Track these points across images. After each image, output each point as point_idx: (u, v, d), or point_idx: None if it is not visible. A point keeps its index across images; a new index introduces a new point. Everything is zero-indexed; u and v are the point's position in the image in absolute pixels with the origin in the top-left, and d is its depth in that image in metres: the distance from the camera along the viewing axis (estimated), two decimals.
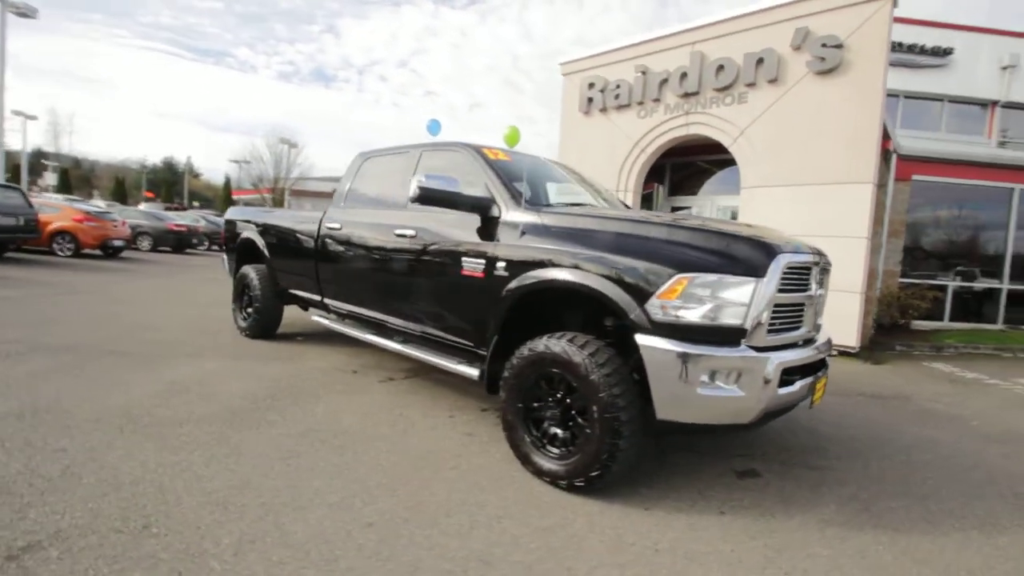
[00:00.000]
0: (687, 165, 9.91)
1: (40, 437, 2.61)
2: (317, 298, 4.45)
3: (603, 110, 9.07)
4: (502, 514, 2.23)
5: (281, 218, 5.00)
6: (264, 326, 5.16)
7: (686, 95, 7.97)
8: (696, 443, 3.21)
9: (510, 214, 2.88)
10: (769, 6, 7.04)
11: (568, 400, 2.48)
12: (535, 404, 2.62)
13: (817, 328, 2.78)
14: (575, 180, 4.01)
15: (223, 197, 47.21)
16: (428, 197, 2.87)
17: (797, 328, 2.49)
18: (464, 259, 2.97)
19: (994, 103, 13.61)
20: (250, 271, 5.10)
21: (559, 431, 2.52)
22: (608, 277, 2.31)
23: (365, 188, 4.09)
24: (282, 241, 4.85)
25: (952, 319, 9.56)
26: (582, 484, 2.37)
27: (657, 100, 8.34)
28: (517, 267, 2.68)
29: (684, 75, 7.91)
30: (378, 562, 1.84)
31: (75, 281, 8.48)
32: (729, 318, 2.17)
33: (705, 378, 2.13)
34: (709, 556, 2.03)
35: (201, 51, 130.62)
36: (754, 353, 2.17)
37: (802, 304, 2.50)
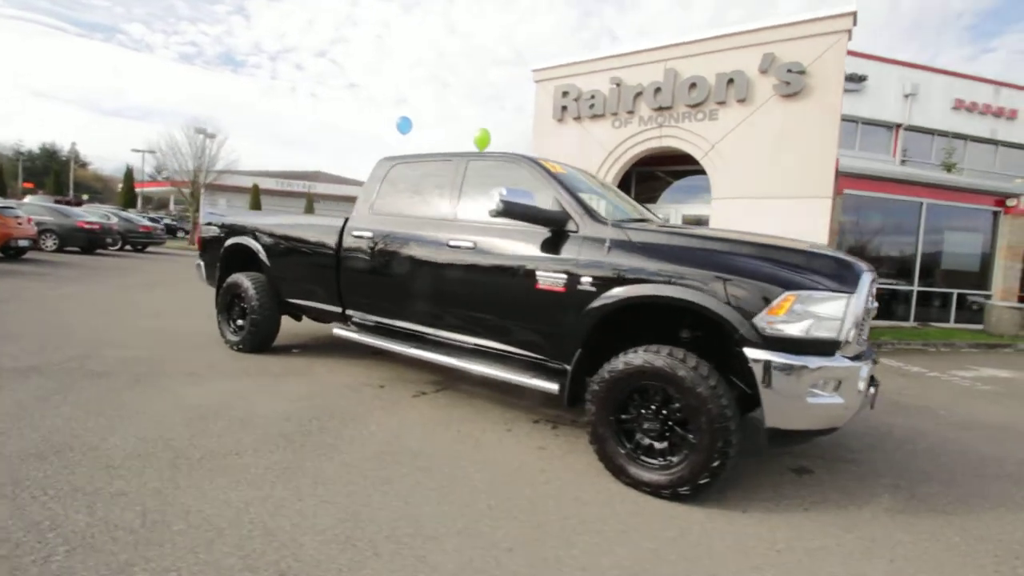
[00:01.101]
0: (650, 174, 10.40)
1: (85, 480, 2.28)
2: (335, 309, 4.21)
3: (577, 118, 9.29)
4: (625, 528, 2.26)
5: (288, 223, 4.65)
6: (261, 339, 4.78)
7: (660, 109, 8.38)
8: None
9: (589, 228, 2.91)
10: (739, 31, 7.59)
11: (664, 412, 2.56)
12: (624, 416, 2.68)
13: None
14: (605, 190, 4.11)
15: (125, 190, 42.45)
16: (510, 211, 2.83)
17: (861, 338, 2.75)
18: (540, 273, 2.96)
19: (898, 126, 15.60)
20: (244, 280, 4.71)
21: (655, 442, 2.59)
22: (716, 294, 2.42)
23: (398, 195, 3.92)
24: (290, 248, 4.52)
25: (875, 318, 10.80)
26: (688, 492, 2.46)
27: (631, 112, 8.69)
28: (607, 283, 2.72)
29: (658, 90, 8.31)
30: None
31: None
32: (827, 331, 2.35)
33: (814, 387, 2.30)
34: (824, 551, 2.19)
35: (87, 25, 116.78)
36: (851, 363, 2.38)
37: (864, 316, 2.76)
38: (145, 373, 3.91)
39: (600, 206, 3.51)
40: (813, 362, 2.30)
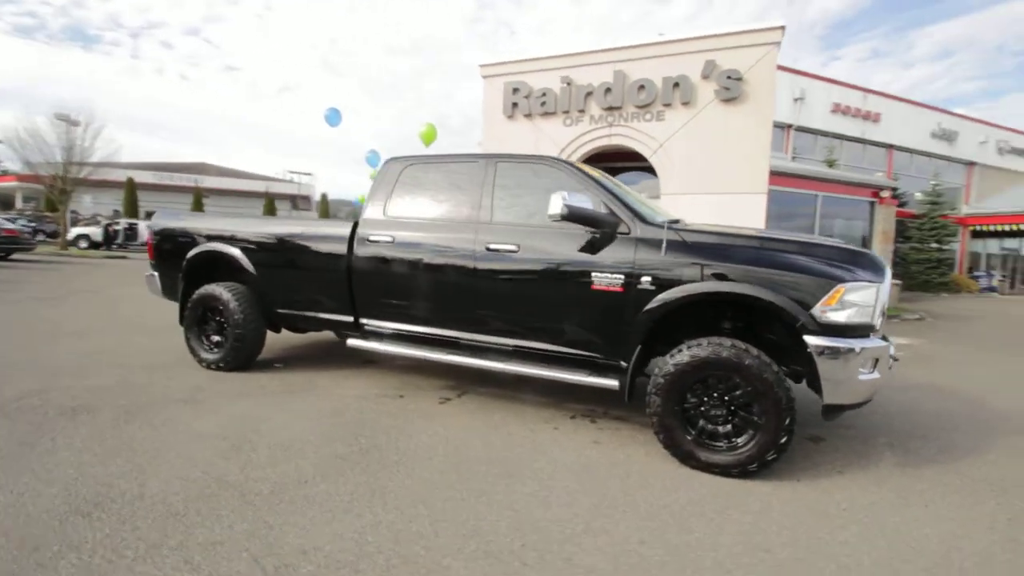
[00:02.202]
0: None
1: (159, 534, 2.01)
2: (345, 319, 3.97)
3: (528, 115, 9.42)
4: (721, 507, 2.44)
5: (283, 229, 4.27)
6: (247, 356, 4.37)
7: (610, 108, 8.76)
8: None
9: (641, 230, 3.04)
10: (683, 38, 8.15)
11: (726, 397, 2.78)
12: (686, 405, 2.87)
13: None
14: (621, 189, 4.26)
15: None
16: (574, 215, 2.88)
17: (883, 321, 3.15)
18: (595, 274, 3.04)
19: (789, 126, 17.64)
20: (222, 292, 4.26)
21: (719, 427, 2.81)
22: (778, 289, 2.67)
23: (416, 198, 3.77)
24: (284, 256, 4.17)
25: None
26: (755, 469, 2.70)
27: (582, 111, 8.99)
28: (668, 282, 2.88)
29: (608, 90, 8.68)
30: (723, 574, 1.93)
31: None
32: (864, 317, 2.70)
33: (863, 366, 2.64)
34: (875, 506, 2.52)
35: None
36: (882, 343, 2.75)
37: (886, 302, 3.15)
38: (130, 405, 3.44)
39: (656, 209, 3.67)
40: (858, 344, 2.64)
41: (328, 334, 5.95)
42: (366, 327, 3.91)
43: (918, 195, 19.92)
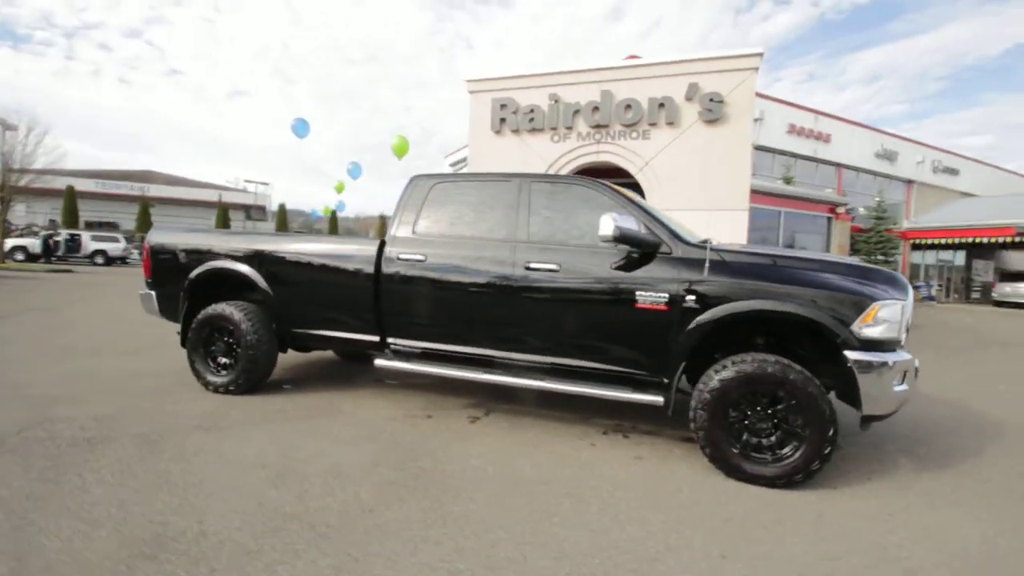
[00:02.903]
0: None
1: (239, 575, 1.91)
2: (370, 339, 3.89)
3: (516, 131, 9.53)
4: (776, 518, 2.53)
5: (302, 245, 4.14)
6: (259, 378, 4.20)
7: (597, 126, 8.99)
8: None
9: (682, 250, 3.15)
10: (667, 61, 8.50)
11: (769, 411, 2.90)
12: (730, 419, 2.97)
13: None
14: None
15: None
16: (624, 237, 2.96)
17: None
18: (639, 293, 3.12)
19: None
20: (233, 312, 4.09)
21: (763, 439, 2.92)
22: (820, 308, 2.83)
23: (447, 216, 3.76)
24: (304, 275, 4.04)
25: None
26: (800, 479, 2.83)
27: (570, 128, 9.19)
28: (713, 300, 2.99)
29: (595, 108, 8.92)
30: None
31: None
32: (894, 332, 2.89)
33: (896, 379, 2.82)
34: (913, 509, 2.68)
35: None
36: (910, 356, 2.95)
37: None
38: (148, 433, 3.23)
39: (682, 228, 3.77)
40: (891, 358, 2.82)
41: (328, 353, 5.79)
42: (393, 346, 3.84)
43: (861, 210, 21.34)
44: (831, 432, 2.76)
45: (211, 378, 4.21)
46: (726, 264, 3.06)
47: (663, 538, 2.30)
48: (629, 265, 3.21)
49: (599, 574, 2.00)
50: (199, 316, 4.24)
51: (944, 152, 26.27)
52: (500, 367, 3.58)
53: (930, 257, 26.17)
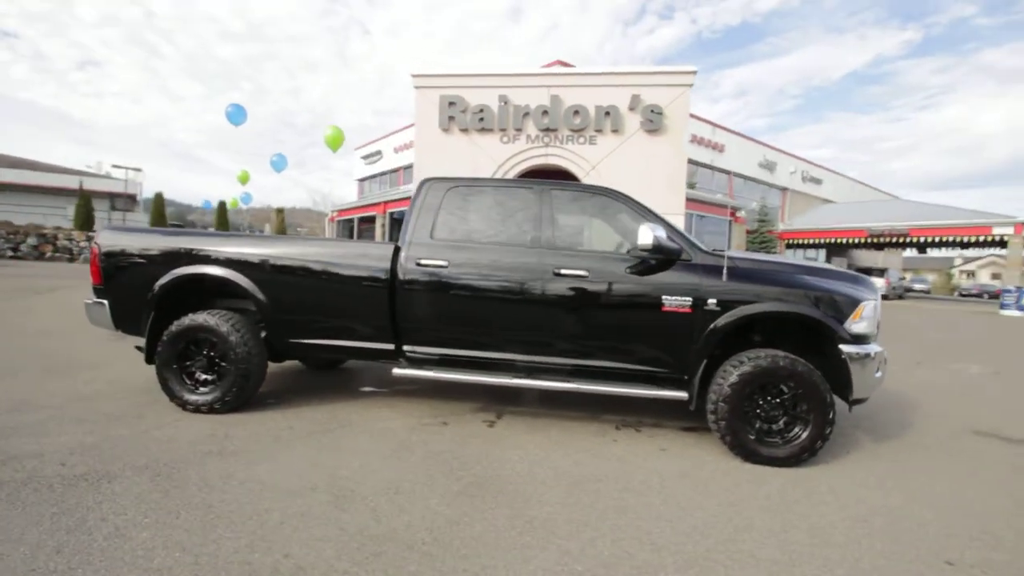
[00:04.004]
0: None
1: None
2: (384, 347, 3.75)
3: (465, 130, 9.49)
4: (805, 493, 2.91)
5: (302, 249, 3.85)
6: (250, 394, 3.86)
7: (546, 130, 9.26)
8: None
9: (701, 258, 3.46)
10: (612, 71, 8.95)
11: (777, 400, 3.31)
12: (744, 409, 3.34)
13: None
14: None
15: None
16: (659, 246, 3.18)
17: None
18: (665, 297, 3.38)
19: None
20: (219, 323, 3.71)
21: (773, 425, 3.33)
22: (821, 308, 3.27)
23: (465, 222, 3.73)
24: (307, 282, 3.77)
25: None
26: (807, 458, 3.27)
27: (519, 130, 9.36)
28: (731, 303, 3.32)
29: (545, 112, 9.17)
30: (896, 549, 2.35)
31: None
32: (872, 327, 3.44)
33: (877, 367, 3.35)
34: (896, 477, 3.22)
35: None
36: (881, 348, 3.51)
37: None
38: (151, 463, 2.86)
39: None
40: (872, 350, 3.36)
41: (291, 364, 5.42)
42: (409, 354, 3.74)
43: (741, 213, 24.12)
44: (831, 415, 3.23)
45: (189, 397, 3.78)
46: (741, 270, 3.42)
47: (728, 520, 2.56)
48: (653, 271, 3.45)
49: (700, 559, 2.20)
50: (172, 328, 3.78)
51: (811, 164, 30.50)
52: (522, 370, 3.66)
53: (799, 255, 30.33)
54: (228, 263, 3.82)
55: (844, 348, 3.28)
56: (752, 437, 3.30)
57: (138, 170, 41.08)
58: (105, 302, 3.99)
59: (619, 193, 3.76)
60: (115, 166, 40.87)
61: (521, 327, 3.58)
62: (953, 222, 22.49)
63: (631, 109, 8.96)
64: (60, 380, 4.49)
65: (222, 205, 45.66)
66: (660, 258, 3.44)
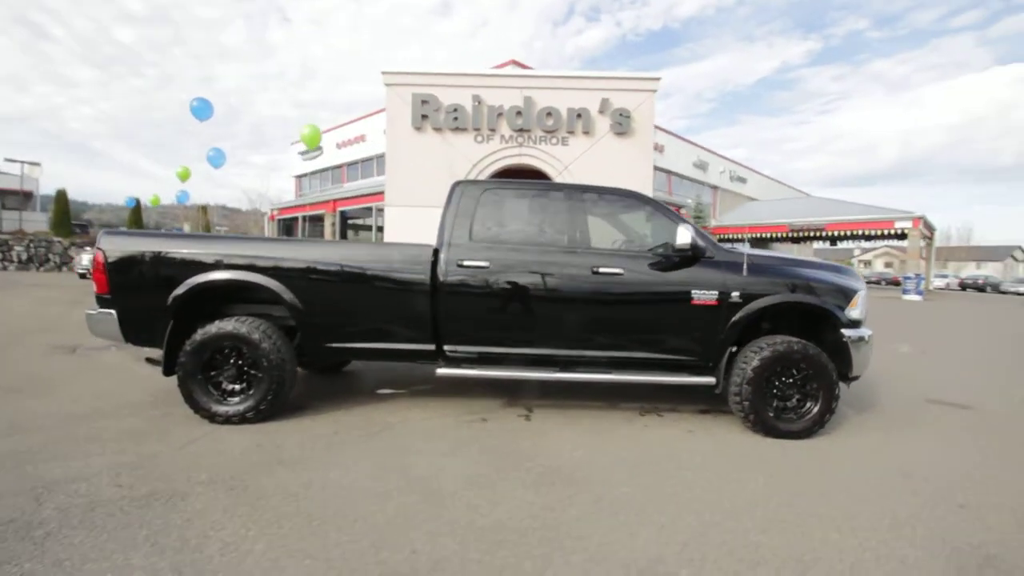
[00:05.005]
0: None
1: None
2: (424, 348, 3.79)
3: (438, 129, 9.48)
4: (824, 463, 3.32)
5: (339, 253, 3.81)
6: (283, 401, 3.77)
7: (520, 130, 9.45)
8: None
9: (722, 255, 3.80)
10: (583, 75, 9.31)
11: (791, 380, 3.73)
12: (765, 390, 3.73)
13: None
14: None
15: None
16: (694, 246, 3.48)
17: None
18: (695, 292, 3.69)
19: None
20: (250, 330, 3.60)
21: (787, 404, 3.74)
22: (827, 298, 3.72)
23: (501, 223, 3.85)
24: (345, 285, 3.73)
25: None
26: (817, 430, 3.70)
27: (493, 130, 9.48)
28: (752, 296, 3.69)
29: (519, 113, 9.36)
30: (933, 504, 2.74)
31: None
32: (863, 313, 3.94)
33: (870, 348, 3.85)
34: (891, 444, 3.74)
35: None
36: (870, 331, 4.03)
37: None
38: (213, 478, 2.77)
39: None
40: (865, 333, 3.86)
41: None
42: (449, 353, 3.82)
43: (684, 211, 25.72)
44: (836, 391, 3.69)
45: (218, 408, 3.63)
46: (759, 266, 3.80)
47: (777, 490, 2.89)
48: (679, 267, 3.76)
49: (774, 520, 2.50)
50: (196, 337, 3.62)
51: (737, 164, 32.86)
52: (559, 364, 3.85)
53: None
54: (259, 268, 3.70)
55: (845, 332, 3.75)
56: (771, 415, 3.69)
57: (36, 164, 36.76)
58: (113, 312, 3.73)
59: (644, 196, 4.03)
60: (8, 159, 36.36)
61: (562, 323, 3.76)
62: (862, 217, 25.21)
63: (601, 112, 9.34)
64: (34, 399, 4.12)
65: (137, 204, 41.97)
66: (687, 255, 3.74)
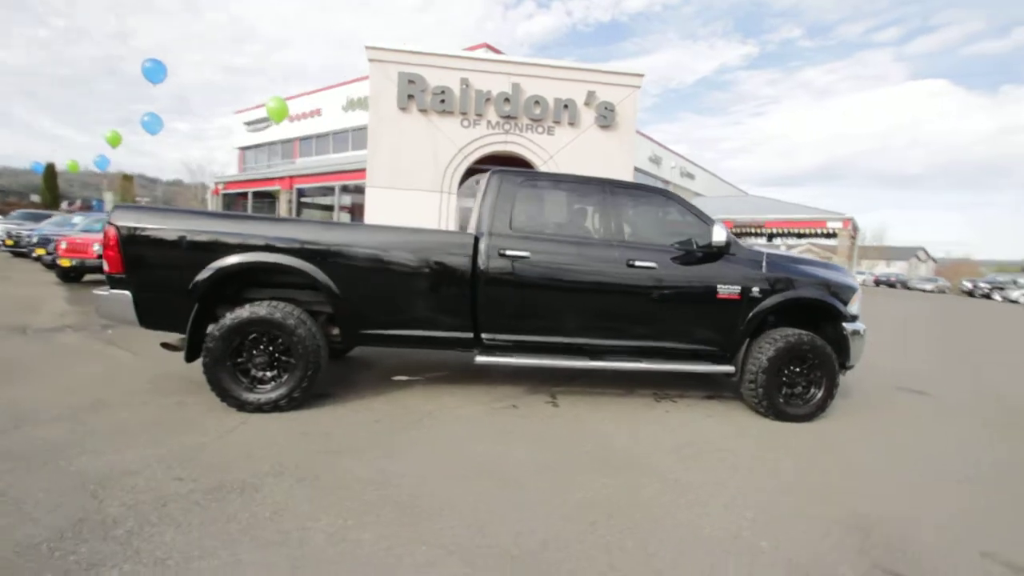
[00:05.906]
0: (472, 170, 11.26)
1: None
2: (462, 336, 3.80)
3: (424, 111, 9.26)
4: (833, 443, 3.67)
5: (378, 237, 3.72)
6: (316, 387, 3.67)
7: (507, 117, 9.41)
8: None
9: (743, 252, 4.05)
10: (570, 67, 9.39)
11: (798, 369, 4.08)
12: (775, 379, 4.06)
13: None
14: None
15: None
16: (728, 243, 3.71)
17: None
18: (720, 286, 3.92)
19: None
20: (286, 316, 3.47)
21: (794, 389, 4.09)
22: (831, 294, 4.07)
23: (538, 214, 3.90)
24: (386, 270, 3.65)
25: None
26: (820, 414, 4.08)
27: (480, 115, 9.38)
28: (769, 291, 3.98)
29: (506, 99, 9.31)
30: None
31: None
32: (859, 309, 4.35)
33: (863, 340, 4.27)
34: (885, 422, 4.19)
35: None
36: (864, 325, 4.45)
37: None
38: (280, 468, 2.69)
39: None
40: (861, 327, 4.27)
41: None
42: (487, 341, 3.85)
43: None
44: (837, 378, 4.07)
45: (248, 396, 3.49)
46: (775, 264, 4.09)
47: (806, 467, 3.19)
48: (703, 262, 3.98)
49: (818, 491, 2.78)
50: (226, 322, 3.44)
51: (686, 160, 34.26)
52: (590, 352, 3.99)
53: None
54: (293, 251, 3.55)
55: (847, 326, 4.14)
56: (782, 400, 4.03)
57: None
58: (128, 293, 3.46)
59: (672, 193, 4.21)
60: None
61: (598, 313, 3.89)
62: (798, 216, 27.14)
63: (586, 104, 9.47)
64: (16, 388, 3.77)
65: (49, 168, 37.83)
66: (712, 252, 3.97)
